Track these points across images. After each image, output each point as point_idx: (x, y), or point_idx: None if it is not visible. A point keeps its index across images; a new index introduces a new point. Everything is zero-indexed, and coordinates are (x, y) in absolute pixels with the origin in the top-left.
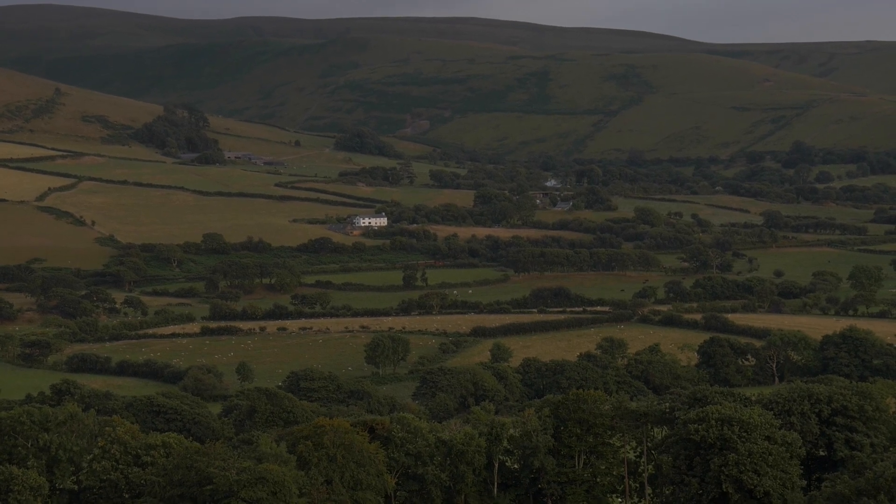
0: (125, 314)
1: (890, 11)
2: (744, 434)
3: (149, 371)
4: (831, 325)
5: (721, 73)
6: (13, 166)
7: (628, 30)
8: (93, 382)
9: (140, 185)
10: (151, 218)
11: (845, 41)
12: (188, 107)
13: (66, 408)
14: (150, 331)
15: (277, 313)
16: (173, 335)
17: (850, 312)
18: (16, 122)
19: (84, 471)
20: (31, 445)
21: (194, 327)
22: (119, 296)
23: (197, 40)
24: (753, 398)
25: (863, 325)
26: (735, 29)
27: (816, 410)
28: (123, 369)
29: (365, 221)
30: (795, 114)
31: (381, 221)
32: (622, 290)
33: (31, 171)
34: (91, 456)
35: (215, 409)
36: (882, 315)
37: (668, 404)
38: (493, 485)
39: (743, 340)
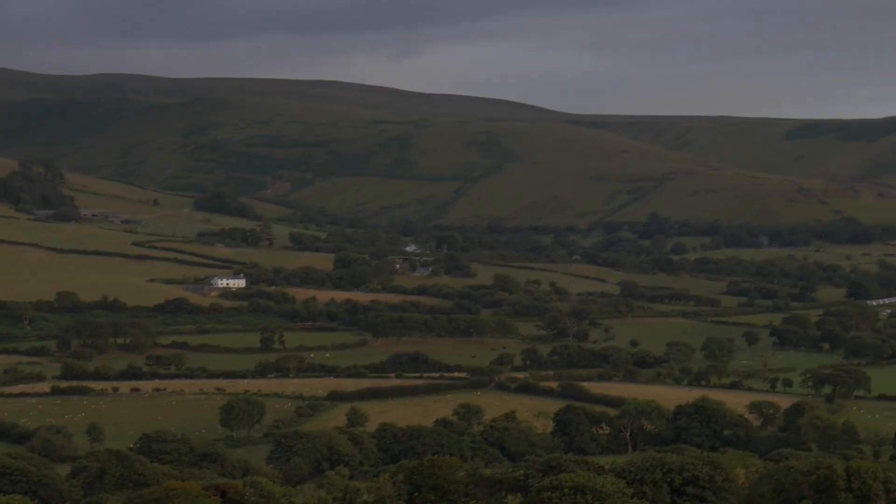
0: None
1: (742, 88)
2: (596, 502)
3: None
4: (684, 396)
5: (580, 143)
6: None
7: (490, 97)
8: None
9: None
10: (3, 275)
11: (701, 115)
12: (45, 163)
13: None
14: None
15: (131, 374)
16: (22, 395)
17: (703, 383)
18: None
19: None
20: None
21: (44, 387)
22: None
23: (55, 95)
24: (607, 466)
25: (715, 395)
26: (594, 100)
27: (668, 479)
28: None
29: (223, 283)
30: (652, 185)
31: (240, 283)
32: (473, 357)
33: None
34: None
35: (64, 470)
36: (733, 386)
37: (522, 471)
38: None
39: (598, 409)
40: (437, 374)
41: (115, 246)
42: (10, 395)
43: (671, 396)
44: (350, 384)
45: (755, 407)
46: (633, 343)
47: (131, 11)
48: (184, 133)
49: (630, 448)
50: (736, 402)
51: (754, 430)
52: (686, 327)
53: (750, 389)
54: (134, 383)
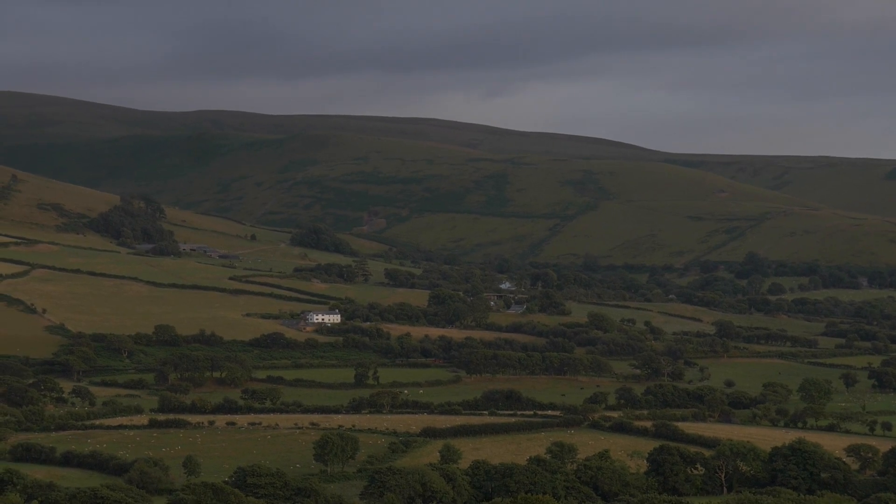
0: (72, 404)
1: (843, 129)
2: None
3: (94, 462)
4: (780, 437)
5: (677, 182)
6: None
7: (586, 136)
8: (36, 472)
9: (93, 274)
10: (103, 308)
11: (800, 155)
12: (145, 197)
13: (9, 498)
14: (97, 421)
15: (227, 407)
16: (120, 427)
17: (800, 425)
18: None
19: None
20: None
21: (142, 419)
22: (67, 385)
23: (156, 131)
24: None
25: (811, 437)
26: (691, 139)
27: None
28: (68, 460)
29: (318, 318)
30: (749, 225)
31: (335, 318)
32: (563, 395)
33: None
34: None
35: (160, 503)
36: (831, 428)
37: None
38: None
39: (693, 449)
40: (531, 412)
41: (212, 280)
42: (109, 427)
43: (767, 438)
44: (443, 421)
45: (853, 450)
46: (729, 383)
47: (230, 50)
48: (281, 169)
49: (725, 489)
50: (833, 444)
51: (852, 474)
52: (782, 368)
53: (848, 432)
54: (230, 417)
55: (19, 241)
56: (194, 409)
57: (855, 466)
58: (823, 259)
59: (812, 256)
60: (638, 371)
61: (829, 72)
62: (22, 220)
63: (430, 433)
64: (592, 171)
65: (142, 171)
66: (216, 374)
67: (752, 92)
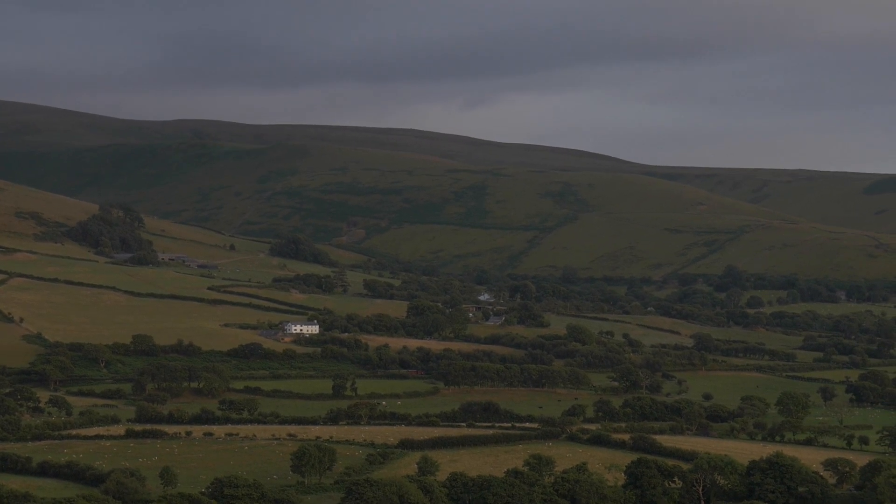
0: (49, 414)
1: (822, 142)
2: None
3: (70, 473)
4: (758, 451)
5: (656, 194)
6: None
7: (565, 148)
8: (11, 482)
9: (71, 283)
10: (81, 317)
11: (779, 168)
12: (124, 206)
13: None
14: (74, 431)
15: (204, 418)
16: (97, 437)
17: (777, 438)
18: None
19: None
20: None
21: (119, 429)
22: (44, 395)
23: (136, 140)
24: None
25: (789, 451)
26: (671, 152)
27: None
28: (44, 470)
29: (297, 328)
30: (728, 238)
31: (313, 329)
32: (541, 408)
33: None
34: None
35: None
36: (808, 442)
37: None
38: None
39: (670, 462)
40: (509, 424)
41: (191, 290)
42: (86, 438)
43: (745, 451)
44: (421, 432)
45: (831, 464)
46: (707, 396)
47: (211, 59)
48: (261, 179)
49: (702, 503)
50: (811, 458)
51: (829, 488)
52: (760, 381)
53: (825, 446)
54: (207, 427)
55: None
56: (171, 419)
57: (832, 480)
58: (802, 273)
59: (790, 270)
60: (616, 384)
61: (808, 85)
62: (0, 228)
63: (407, 445)
64: (571, 184)
65: (122, 180)
66: (194, 385)
67: (731, 105)
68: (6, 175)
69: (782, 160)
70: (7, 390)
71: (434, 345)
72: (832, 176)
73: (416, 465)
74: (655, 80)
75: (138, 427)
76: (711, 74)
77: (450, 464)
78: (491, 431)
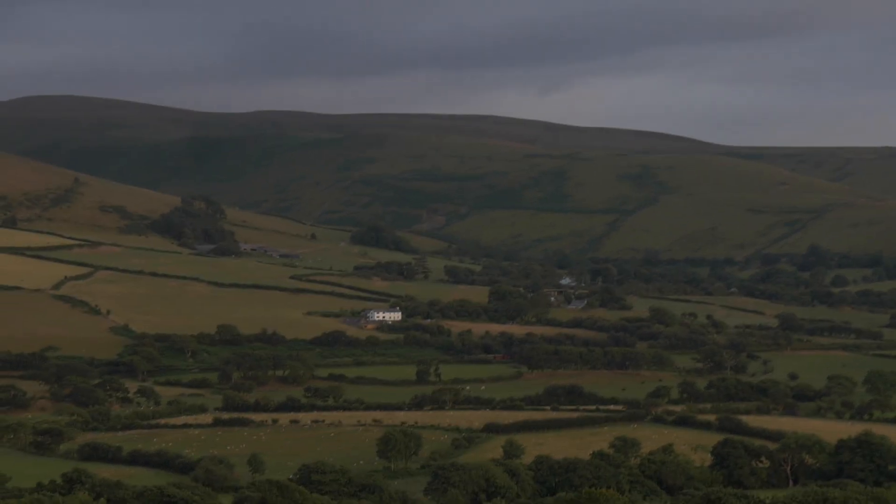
0: (138, 404)
1: None
2: None
3: (160, 461)
4: (846, 430)
5: (737, 175)
6: (30, 255)
7: (644, 130)
8: (104, 471)
9: (156, 275)
10: (166, 308)
11: (861, 146)
12: (206, 198)
13: (77, 497)
14: (163, 421)
15: (290, 405)
16: (185, 425)
17: (866, 417)
18: (34, 211)
19: None
20: None
21: (206, 418)
22: (132, 385)
23: (215, 133)
24: (768, 501)
25: (878, 429)
26: (750, 132)
27: None
28: (135, 459)
29: (379, 316)
30: (811, 217)
31: (396, 316)
32: (624, 390)
33: (48, 259)
34: None
35: (226, 500)
36: None
37: None
38: None
39: (757, 442)
40: (594, 407)
41: (273, 279)
42: (174, 426)
43: (832, 430)
44: (506, 416)
45: None
46: (793, 376)
47: (287, 50)
48: (340, 168)
49: (791, 482)
50: None
51: None
52: (847, 360)
53: None
54: (293, 415)
55: (83, 243)
56: (258, 407)
57: None
58: (887, 250)
59: (876, 248)
60: (700, 365)
61: (890, 61)
62: (85, 222)
63: (492, 429)
64: (650, 166)
65: (203, 173)
66: (279, 373)
67: (810, 83)
68: (90, 170)
69: (865, 138)
70: (96, 381)
71: (516, 329)
72: None
73: (501, 449)
74: (732, 60)
75: (225, 415)
76: (790, 53)
77: (535, 447)
78: (575, 414)
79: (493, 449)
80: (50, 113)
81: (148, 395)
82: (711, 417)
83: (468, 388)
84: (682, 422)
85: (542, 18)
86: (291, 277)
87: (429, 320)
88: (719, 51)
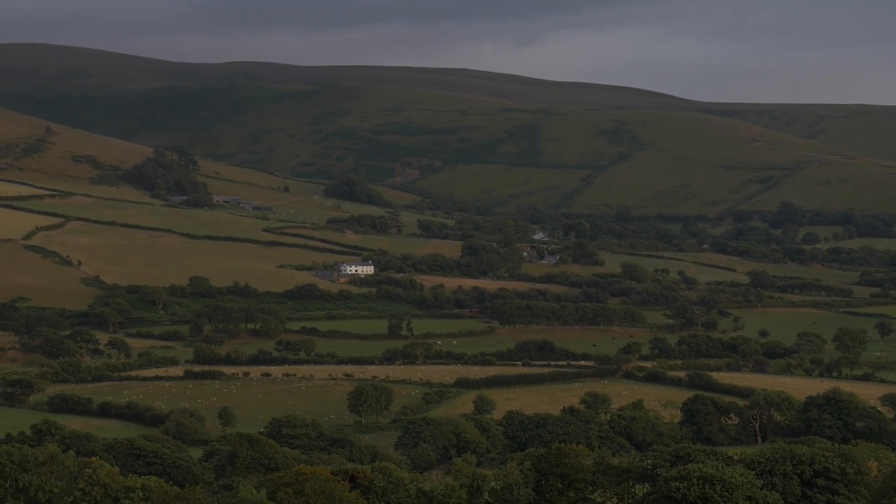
0: (108, 356)
1: (879, 76)
2: (725, 493)
3: (130, 413)
4: (815, 387)
5: (710, 131)
6: (1, 204)
7: (618, 85)
8: (74, 423)
9: (128, 226)
10: (138, 260)
11: (834, 104)
12: (178, 149)
13: (46, 448)
14: (133, 373)
15: (261, 359)
16: (156, 378)
17: (834, 374)
18: (5, 161)
19: None
20: (10, 486)
21: (178, 370)
22: (103, 337)
23: (188, 83)
24: (736, 457)
25: (846, 387)
26: (724, 88)
27: (798, 472)
28: (105, 411)
29: (352, 269)
30: (784, 174)
31: (368, 270)
32: (594, 346)
33: (19, 209)
34: (71, 498)
35: (196, 453)
36: (866, 378)
37: (650, 461)
38: None
39: (726, 399)
40: (564, 363)
41: (246, 232)
42: (145, 379)
43: (801, 387)
44: (477, 371)
45: (888, 399)
46: (763, 333)
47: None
48: (313, 120)
49: (759, 439)
50: (868, 393)
51: (887, 423)
52: (817, 318)
53: (883, 381)
54: (264, 368)
55: (54, 193)
56: (229, 360)
57: (890, 416)
58: (858, 208)
59: (847, 205)
60: (671, 321)
61: (863, 18)
62: (56, 172)
63: (463, 384)
64: (625, 121)
65: (175, 123)
66: (250, 326)
67: (784, 39)
68: (60, 119)
69: (838, 95)
70: (67, 332)
71: (489, 284)
72: (889, 110)
73: (472, 404)
74: (706, 14)
75: (196, 368)
76: (763, 8)
77: (506, 402)
78: (546, 370)
79: (463, 404)
80: (20, 61)
81: (119, 346)
82: (682, 374)
83: (440, 342)
84: (653, 378)
85: None
86: (264, 230)
87: (401, 274)
88: (693, 5)
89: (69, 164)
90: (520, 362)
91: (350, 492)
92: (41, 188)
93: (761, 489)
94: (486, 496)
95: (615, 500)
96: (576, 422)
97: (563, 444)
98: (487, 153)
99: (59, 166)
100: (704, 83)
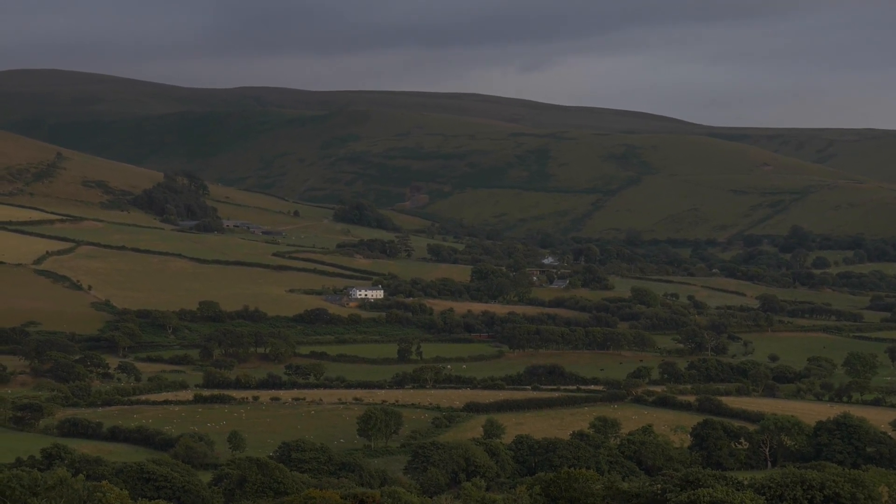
0: (118, 380)
1: (889, 100)
2: None
3: (140, 437)
4: (825, 412)
5: (720, 156)
6: (12, 229)
7: (628, 110)
8: (83, 447)
9: (138, 251)
10: (148, 284)
11: (844, 128)
12: (188, 174)
13: (56, 472)
14: (143, 397)
15: (271, 383)
16: (166, 402)
17: (845, 399)
18: (16, 185)
19: None
20: None
21: (187, 395)
22: (113, 361)
23: (199, 108)
24: (746, 482)
25: (857, 412)
26: (734, 112)
27: (809, 496)
28: (115, 435)
29: (361, 293)
30: (793, 199)
31: (378, 294)
32: (602, 370)
33: (30, 234)
34: None
35: (205, 477)
36: (876, 402)
37: (660, 486)
38: None
39: (736, 424)
40: (574, 387)
41: (256, 256)
42: (155, 403)
43: (811, 412)
44: (487, 396)
45: None
46: (773, 357)
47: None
48: (323, 145)
49: (769, 464)
50: (879, 418)
51: None
52: (827, 342)
53: (893, 406)
54: (274, 392)
55: (65, 218)
56: (238, 384)
57: None
58: (868, 232)
59: (857, 230)
60: (681, 345)
61: (873, 42)
62: (67, 197)
63: (473, 408)
64: (634, 145)
65: (186, 148)
66: (260, 350)
67: (793, 63)
68: (72, 144)
69: (848, 119)
70: (77, 357)
71: (498, 308)
72: None
73: (481, 428)
74: (715, 39)
75: (206, 392)
76: (771, 33)
77: (515, 427)
78: (556, 394)
79: (473, 428)
80: (32, 87)
81: (128, 371)
82: (691, 398)
83: (449, 366)
84: (662, 402)
85: None
86: (274, 254)
87: (411, 298)
88: (701, 30)
89: (80, 189)
90: (529, 387)
91: None
92: (52, 213)
93: None
94: None
95: None
96: (585, 446)
97: (572, 469)
98: (497, 177)
99: (70, 191)
100: (714, 107)
